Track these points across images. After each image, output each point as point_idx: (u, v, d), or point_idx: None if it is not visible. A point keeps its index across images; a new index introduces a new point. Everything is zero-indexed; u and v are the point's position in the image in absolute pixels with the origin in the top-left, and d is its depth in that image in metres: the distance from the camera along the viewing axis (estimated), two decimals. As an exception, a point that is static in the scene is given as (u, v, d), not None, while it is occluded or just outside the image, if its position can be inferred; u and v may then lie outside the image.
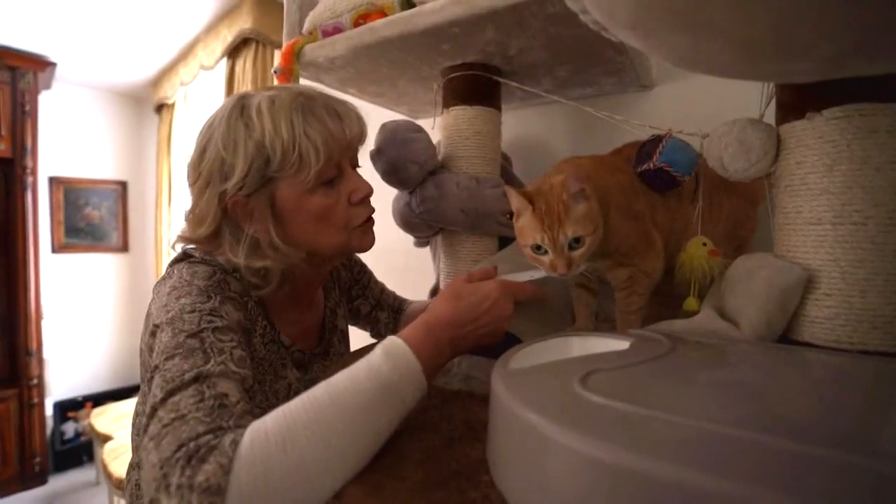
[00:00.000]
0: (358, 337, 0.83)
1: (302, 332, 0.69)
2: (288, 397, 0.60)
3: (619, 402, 0.31)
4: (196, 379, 0.42)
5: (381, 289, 0.90)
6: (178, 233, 0.62)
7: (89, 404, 2.96)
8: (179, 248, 0.62)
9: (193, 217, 0.59)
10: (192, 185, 0.59)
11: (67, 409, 2.98)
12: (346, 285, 0.84)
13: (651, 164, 0.60)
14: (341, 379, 0.42)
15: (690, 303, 0.60)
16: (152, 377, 0.45)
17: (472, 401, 0.52)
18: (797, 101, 0.50)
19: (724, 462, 0.24)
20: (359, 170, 0.67)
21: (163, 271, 0.61)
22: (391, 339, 0.46)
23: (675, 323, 0.52)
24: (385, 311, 0.88)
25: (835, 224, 0.47)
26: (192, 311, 0.49)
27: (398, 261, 1.20)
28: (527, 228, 0.55)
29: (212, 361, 0.44)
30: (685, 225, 0.64)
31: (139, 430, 0.55)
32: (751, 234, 0.74)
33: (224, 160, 0.55)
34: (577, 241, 0.52)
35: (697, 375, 0.40)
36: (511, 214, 0.87)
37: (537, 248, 0.54)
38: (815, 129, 0.48)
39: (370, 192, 0.64)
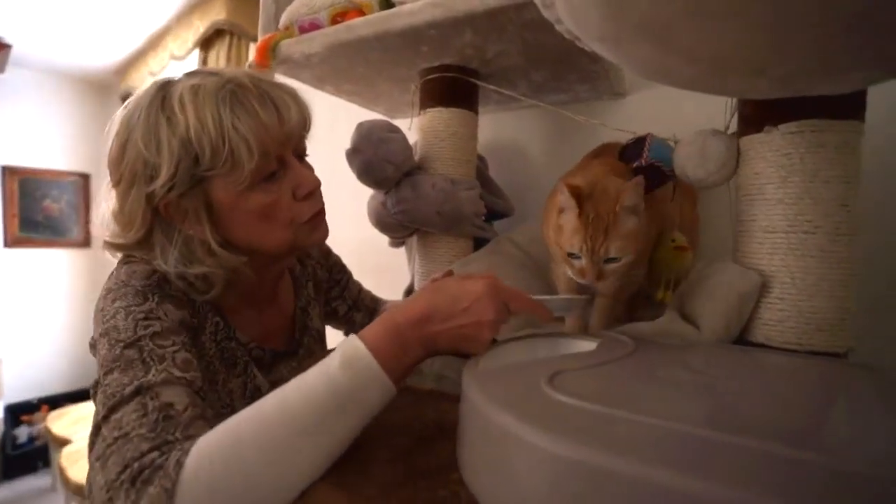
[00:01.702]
0: (334, 337, 0.81)
1: (265, 332, 0.65)
2: (244, 396, 0.59)
3: (585, 401, 0.32)
4: (137, 392, 0.40)
5: (359, 289, 0.88)
6: (106, 236, 0.55)
7: (45, 407, 2.81)
8: (110, 253, 0.57)
9: (121, 218, 0.53)
10: (115, 185, 0.53)
11: (21, 412, 2.83)
12: (323, 286, 0.81)
13: (642, 161, 0.62)
14: (293, 390, 0.40)
15: (659, 294, 0.63)
16: (96, 393, 0.43)
17: (443, 401, 0.52)
18: (757, 115, 0.53)
19: (684, 458, 0.25)
20: (309, 158, 0.61)
21: None
22: (350, 342, 0.42)
23: (640, 325, 0.54)
24: (361, 312, 0.85)
25: (787, 232, 0.50)
26: (127, 318, 0.46)
27: (373, 260, 1.19)
28: (568, 231, 0.52)
29: (152, 371, 0.42)
30: (662, 225, 0.67)
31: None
32: (698, 238, 0.77)
33: (147, 160, 0.49)
34: (615, 259, 0.51)
35: (659, 375, 0.42)
36: (486, 216, 0.89)
37: (569, 255, 0.53)
38: (771, 142, 0.51)
39: (317, 185, 0.58)
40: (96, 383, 0.43)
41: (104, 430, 0.39)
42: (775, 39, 0.26)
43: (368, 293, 0.90)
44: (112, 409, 0.39)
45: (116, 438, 0.38)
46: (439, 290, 0.46)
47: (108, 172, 0.55)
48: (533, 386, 0.34)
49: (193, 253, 0.53)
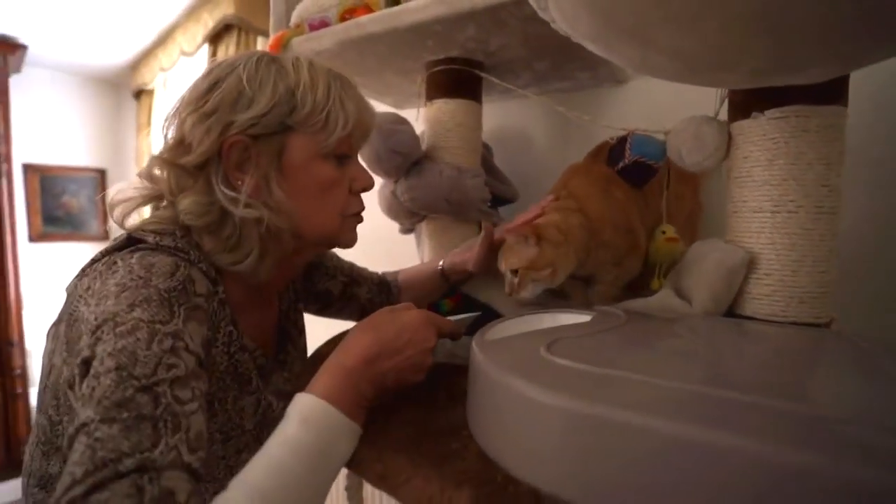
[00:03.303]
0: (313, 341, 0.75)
1: (262, 335, 0.62)
2: (255, 414, 0.55)
3: (580, 363, 0.36)
4: (137, 469, 0.32)
5: (350, 265, 0.82)
6: (157, 153, 0.52)
7: (73, 393, 2.95)
8: (156, 168, 0.52)
9: (178, 142, 0.51)
10: (192, 112, 0.50)
11: (51, 398, 2.96)
12: (302, 279, 0.76)
13: (626, 160, 0.65)
14: (264, 475, 0.36)
15: (654, 283, 0.67)
16: (75, 434, 0.34)
17: (453, 373, 0.57)
18: (745, 102, 0.56)
19: (680, 410, 0.28)
20: None
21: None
22: (303, 401, 0.40)
23: (634, 301, 0.58)
24: (364, 286, 0.81)
25: (773, 212, 0.54)
26: (150, 343, 0.38)
27: (382, 248, 1.24)
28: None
29: (162, 444, 0.34)
30: (659, 215, 0.70)
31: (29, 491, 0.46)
32: (699, 222, 0.81)
33: (243, 91, 0.49)
34: (514, 272, 0.62)
35: (650, 342, 0.46)
36: (491, 202, 0.93)
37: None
38: (759, 127, 0.54)
39: (372, 184, 0.61)
40: (82, 425, 0.34)
41: None
42: (740, 41, 0.30)
43: (362, 268, 0.85)
44: (97, 486, 0.31)
45: None
46: (379, 326, 0.46)
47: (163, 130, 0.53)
48: (533, 352, 0.39)
49: (258, 195, 0.51)
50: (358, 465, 0.42)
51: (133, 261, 0.44)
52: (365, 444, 0.42)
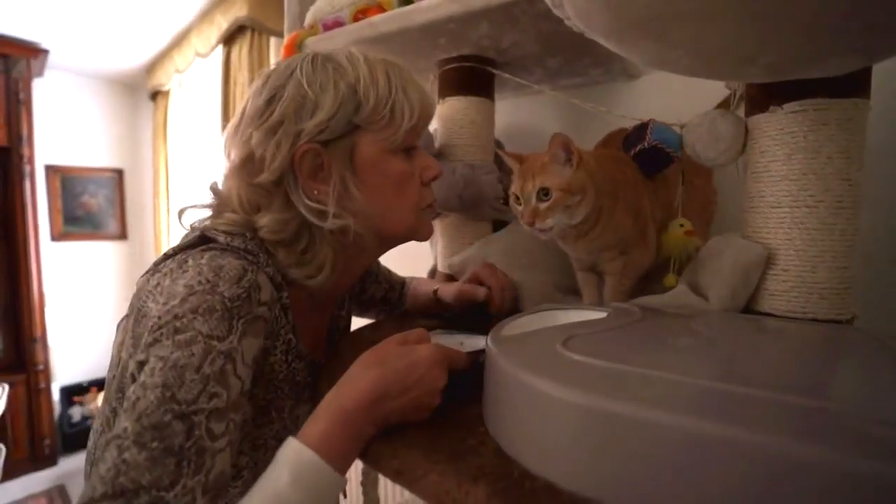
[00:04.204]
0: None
1: (315, 339, 0.62)
2: None
3: (596, 359, 0.36)
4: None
5: (388, 269, 0.87)
6: (227, 171, 0.52)
7: (94, 388, 3.02)
8: (226, 186, 0.53)
9: (247, 159, 0.50)
10: (257, 126, 0.49)
11: (73, 393, 3.04)
12: (356, 285, 0.78)
13: (645, 144, 0.64)
14: None
15: (670, 279, 0.66)
16: (111, 440, 0.35)
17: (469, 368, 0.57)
18: (762, 96, 0.55)
19: (697, 405, 0.28)
20: None
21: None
22: (296, 451, 0.38)
23: (650, 297, 0.58)
24: (396, 290, 0.85)
25: (791, 207, 0.53)
26: (201, 365, 0.38)
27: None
28: (513, 182, 0.60)
29: (179, 486, 0.34)
30: (671, 209, 0.69)
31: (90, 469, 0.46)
32: (714, 209, 0.80)
33: (307, 97, 0.48)
34: (545, 195, 0.55)
35: (666, 338, 0.46)
36: (505, 200, 0.93)
37: (517, 199, 0.59)
38: (776, 121, 0.54)
39: (441, 172, 0.60)
40: (116, 436, 0.35)
41: None
42: (758, 35, 0.29)
43: (392, 272, 0.89)
44: None
45: None
46: (387, 361, 0.43)
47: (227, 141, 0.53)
48: (549, 348, 0.39)
49: (342, 202, 0.51)
50: (374, 461, 0.42)
51: (203, 261, 0.44)
52: (381, 440, 0.42)
